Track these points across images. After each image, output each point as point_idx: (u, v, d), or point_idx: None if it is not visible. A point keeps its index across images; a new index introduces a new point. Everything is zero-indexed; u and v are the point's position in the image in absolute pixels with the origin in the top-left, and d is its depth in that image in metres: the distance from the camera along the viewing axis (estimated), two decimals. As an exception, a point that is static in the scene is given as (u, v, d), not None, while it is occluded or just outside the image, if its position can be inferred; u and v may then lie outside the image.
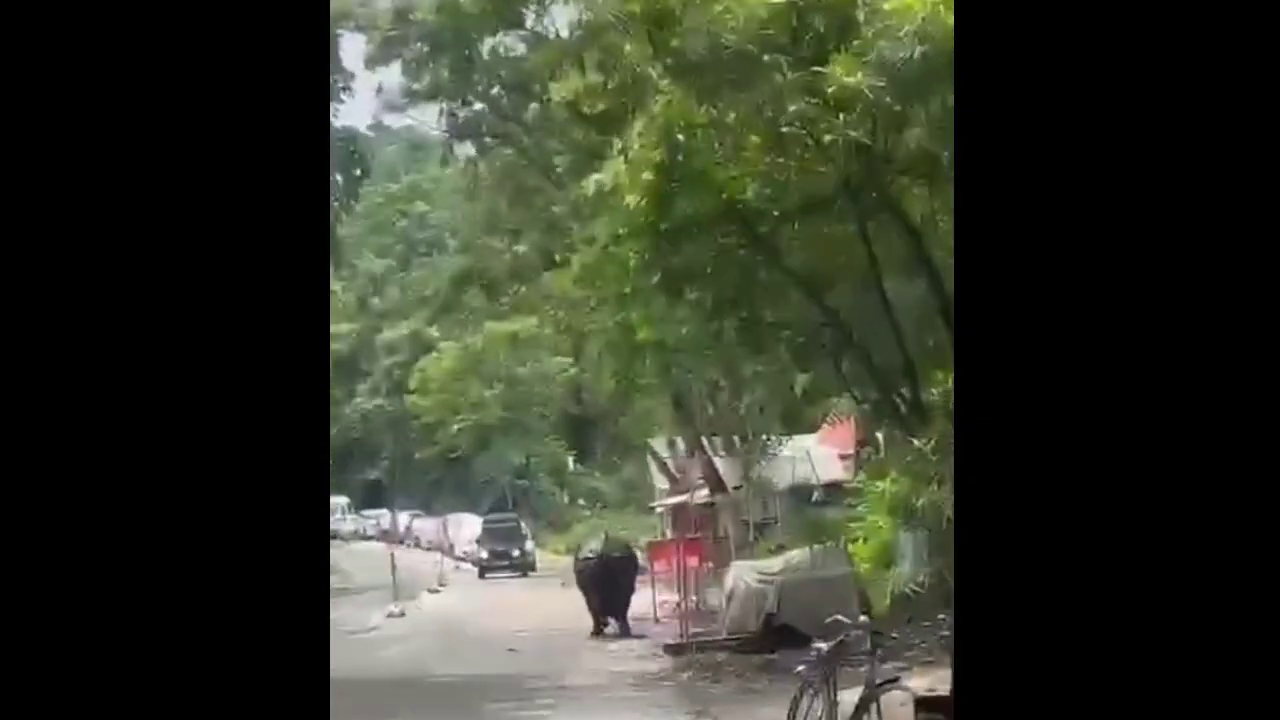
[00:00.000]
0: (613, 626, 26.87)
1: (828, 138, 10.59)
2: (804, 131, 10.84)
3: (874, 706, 12.74)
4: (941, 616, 20.54)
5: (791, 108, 10.43)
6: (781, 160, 11.54)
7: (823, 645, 13.90)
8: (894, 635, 17.05)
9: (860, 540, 25.13)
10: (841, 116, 10.51)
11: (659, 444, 41.36)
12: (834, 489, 29.05)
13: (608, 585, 26.87)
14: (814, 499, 27.43)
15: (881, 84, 10.32)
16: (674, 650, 22.40)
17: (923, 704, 11.91)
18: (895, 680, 13.20)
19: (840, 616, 15.76)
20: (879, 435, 32.06)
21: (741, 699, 18.28)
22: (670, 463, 40.04)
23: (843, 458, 33.05)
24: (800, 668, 15.11)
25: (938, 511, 9.67)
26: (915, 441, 10.02)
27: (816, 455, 31.49)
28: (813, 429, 33.55)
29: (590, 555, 27.82)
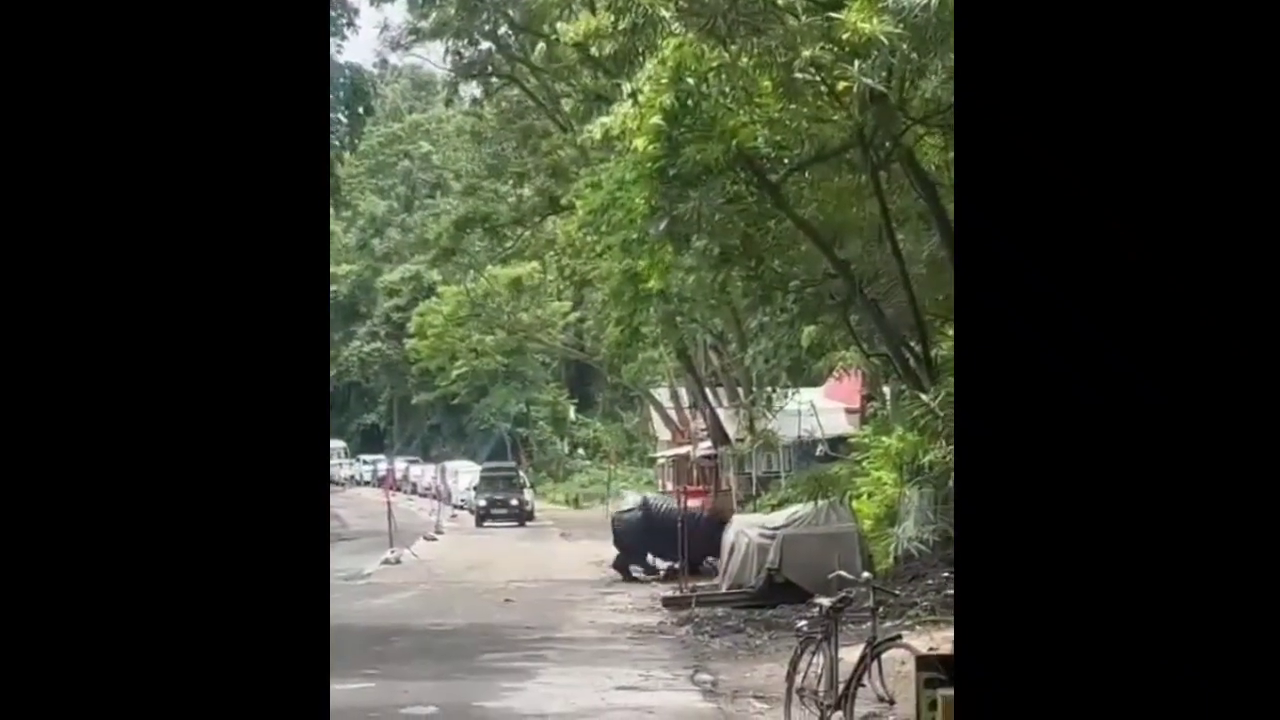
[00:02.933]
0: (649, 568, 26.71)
1: (842, 85, 10.33)
2: (818, 78, 10.58)
3: (875, 664, 12.59)
4: (945, 575, 20.48)
5: (806, 53, 10.15)
6: (794, 107, 11.28)
7: (824, 601, 13.75)
8: (897, 592, 16.93)
9: (864, 496, 25.05)
10: (857, 64, 10.24)
11: (662, 394, 41.28)
12: (839, 443, 28.95)
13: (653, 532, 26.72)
14: (818, 453, 27.30)
15: (898, 31, 10.05)
16: (673, 604, 22.29)
17: (924, 662, 11.73)
18: (897, 639, 13.04)
19: (843, 573, 15.63)
20: (885, 390, 31.99)
21: (740, 654, 18.17)
22: (673, 413, 39.98)
23: (849, 412, 32.96)
24: (801, 624, 15.00)
25: (945, 468, 9.46)
26: (923, 396, 9.79)
27: (822, 409, 31.37)
28: (818, 382, 33.45)
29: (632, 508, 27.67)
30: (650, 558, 26.85)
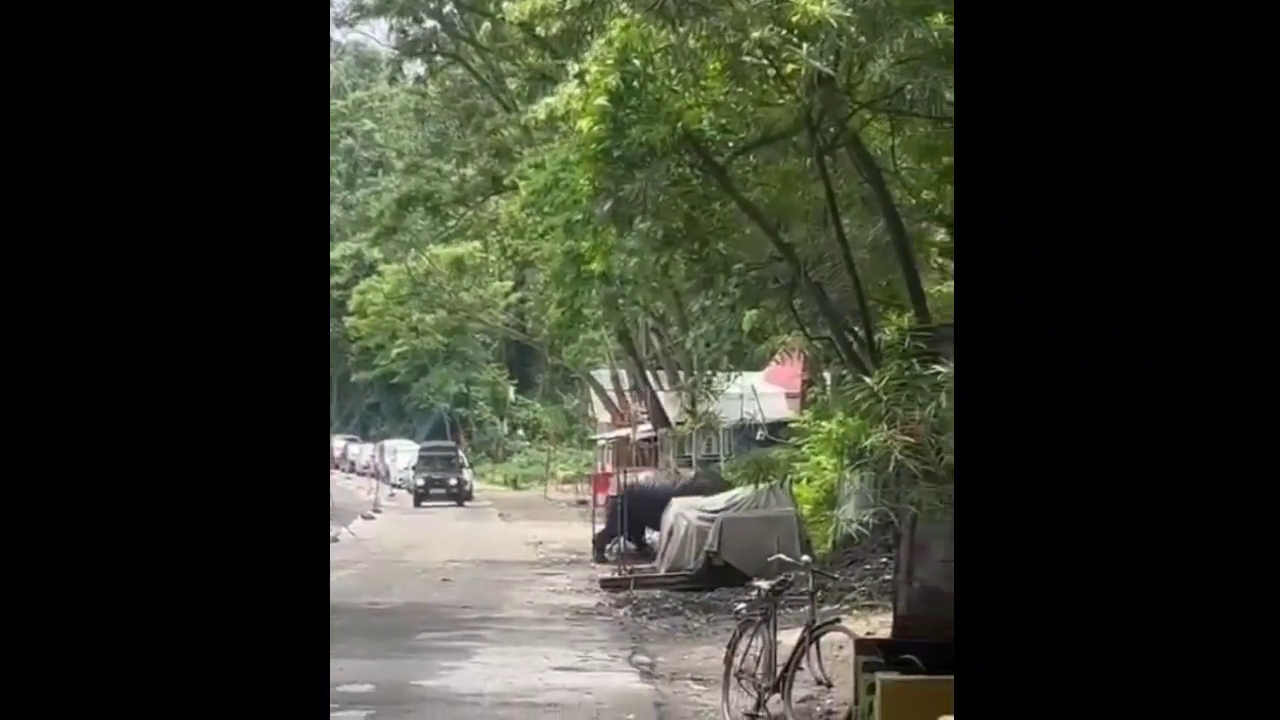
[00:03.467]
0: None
1: (790, 67, 10.30)
2: (765, 61, 10.56)
3: (813, 648, 12.63)
4: (884, 560, 20.55)
5: (755, 34, 10.13)
6: (741, 90, 11.26)
7: (764, 584, 13.78)
8: (835, 576, 16.98)
9: (804, 480, 25.08)
10: (805, 46, 10.22)
11: (602, 376, 41.25)
12: (779, 428, 28.99)
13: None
14: (758, 437, 27.33)
15: (847, 15, 10.03)
16: (611, 585, 22.28)
17: (862, 646, 11.77)
18: (835, 622, 13.09)
19: (783, 556, 15.65)
20: (826, 375, 32.04)
21: (678, 636, 18.20)
22: (613, 396, 39.98)
23: (789, 397, 33.02)
24: (740, 606, 15.02)
25: (886, 453, 9.45)
26: (867, 380, 9.78)
27: (762, 393, 31.41)
28: (759, 367, 33.48)
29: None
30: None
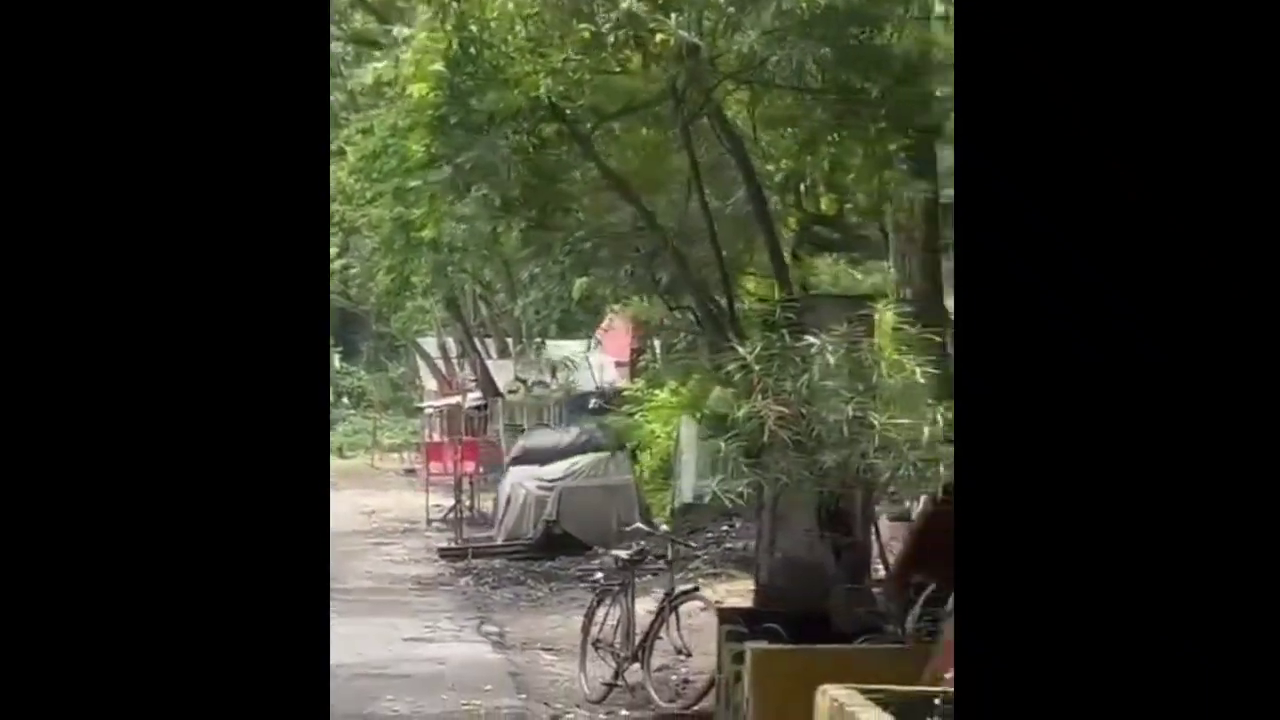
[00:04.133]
0: None
1: (659, 37, 10.26)
2: (628, 30, 10.51)
3: (673, 616, 12.71)
4: (725, 527, 20.73)
5: (624, 5, 10.06)
6: (605, 56, 11.19)
7: (621, 554, 13.83)
8: (692, 545, 17.06)
9: (641, 449, 25.14)
10: (673, 17, 10.19)
11: (429, 344, 40.89)
12: (612, 396, 29.01)
13: None
14: (592, 405, 27.33)
15: (719, -16, 10.05)
16: (450, 555, 22.14)
17: (725, 615, 11.85)
18: (694, 590, 13.19)
19: (641, 525, 15.73)
20: (655, 343, 32.13)
21: (523, 606, 18.18)
22: (440, 363, 39.66)
23: (618, 365, 33.06)
24: (599, 575, 15.05)
25: (760, 422, 9.49)
26: (740, 350, 9.81)
27: (594, 362, 31.40)
28: (589, 335, 33.46)
29: None
30: None
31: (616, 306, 24.05)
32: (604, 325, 32.23)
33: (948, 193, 20.08)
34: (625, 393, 29.73)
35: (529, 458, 23.71)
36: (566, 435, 24.30)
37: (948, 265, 23.37)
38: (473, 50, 11.94)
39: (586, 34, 10.52)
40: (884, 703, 6.96)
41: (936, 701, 6.86)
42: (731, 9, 10.17)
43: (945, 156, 17.46)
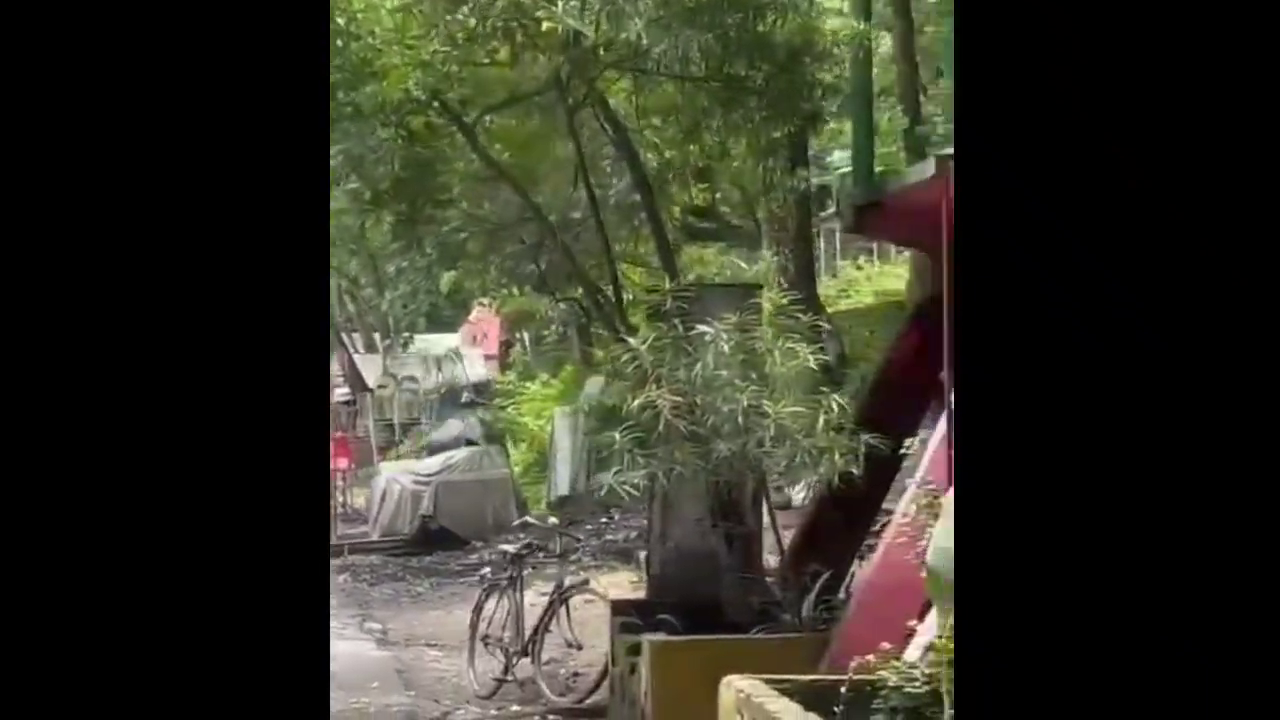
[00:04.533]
0: None
1: (546, 25, 10.17)
2: (511, 19, 10.41)
3: (562, 609, 12.62)
4: (604, 520, 20.69)
5: (507, -9, 9.97)
6: (487, 46, 11.07)
7: (510, 547, 13.73)
8: (580, 539, 17.00)
9: (514, 442, 25.05)
10: (560, 4, 10.09)
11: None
12: (482, 389, 28.89)
13: None
14: (464, 400, 27.19)
15: (604, -28, 9.98)
16: (325, 552, 21.84)
17: (618, 608, 11.79)
18: (584, 583, 13.10)
19: (530, 519, 15.62)
20: (524, 336, 32.03)
21: (404, 602, 18.01)
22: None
23: (487, 358, 32.94)
24: (486, 570, 14.93)
25: (654, 414, 9.44)
26: (631, 341, 9.75)
27: (464, 356, 31.26)
28: (456, 328, 33.30)
29: None
30: None
31: (485, 300, 23.94)
32: (472, 318, 32.08)
33: (816, 180, 20.22)
34: (497, 386, 29.65)
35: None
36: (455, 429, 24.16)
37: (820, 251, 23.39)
38: (339, 43, 11.77)
39: (469, 25, 10.41)
40: (790, 692, 6.94)
41: (842, 690, 6.86)
42: (616, -3, 10.11)
43: (814, 144, 17.56)
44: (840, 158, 17.56)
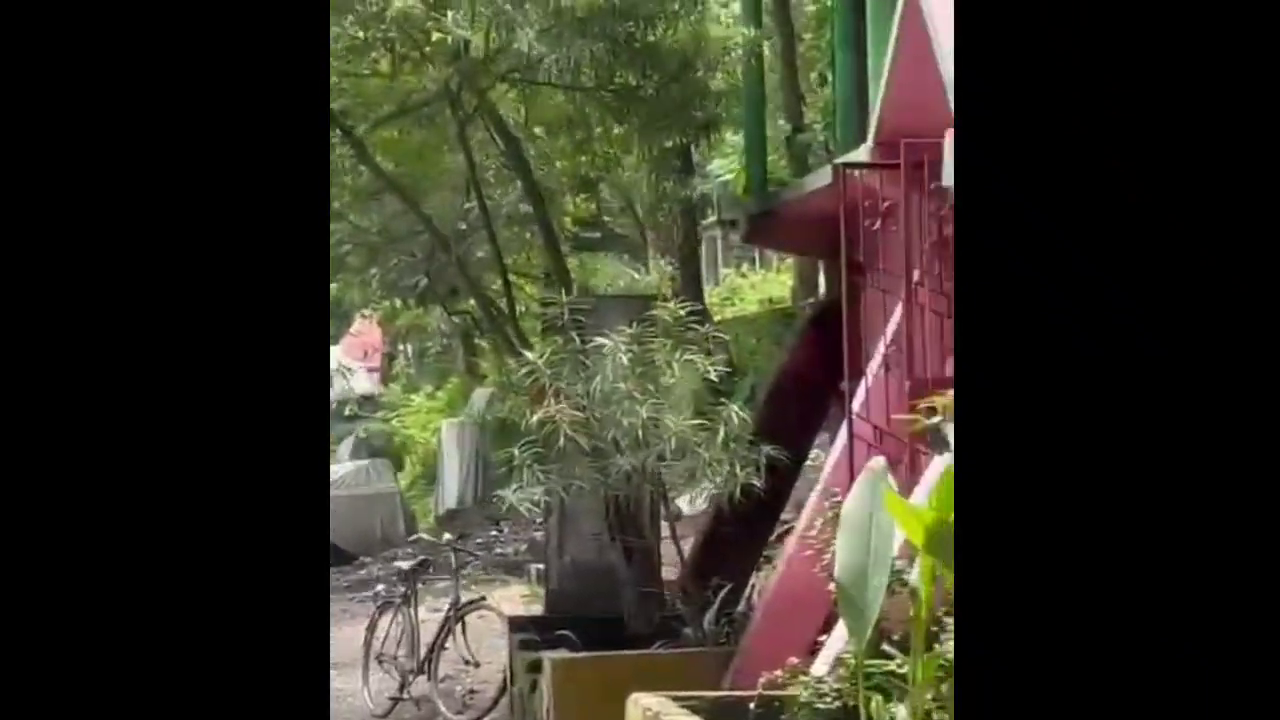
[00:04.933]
0: None
1: (436, 36, 10.04)
2: (400, 31, 10.28)
3: (459, 626, 12.48)
4: (493, 533, 20.53)
5: (398, 4, 9.81)
6: (374, 57, 10.94)
7: (404, 564, 13.57)
8: (476, 555, 16.84)
9: (401, 456, 24.83)
10: (450, 15, 9.97)
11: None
12: (365, 401, 28.62)
13: None
14: (347, 412, 26.91)
15: (490, -19, 9.87)
16: (209, 570, 21.51)
17: (516, 624, 11.68)
18: (481, 600, 12.97)
19: (424, 535, 15.45)
20: (408, 347, 31.78)
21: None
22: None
23: (369, 370, 32.65)
24: (380, 587, 14.75)
25: (554, 428, 9.34)
26: (529, 355, 9.64)
27: (344, 367, 30.95)
28: (337, 341, 32.98)
29: None
30: None
31: (366, 311, 23.70)
32: (353, 331, 31.79)
33: (701, 190, 20.22)
34: (381, 398, 29.39)
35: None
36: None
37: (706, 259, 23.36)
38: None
39: (356, 35, 10.27)
40: (698, 709, 6.88)
41: (751, 706, 6.82)
42: (507, 7, 9.99)
43: (695, 153, 17.54)
44: (720, 166, 17.54)
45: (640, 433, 9.43)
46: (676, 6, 10.48)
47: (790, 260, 22.00)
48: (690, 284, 19.59)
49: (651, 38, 10.65)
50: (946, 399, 6.52)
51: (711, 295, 27.40)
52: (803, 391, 11.27)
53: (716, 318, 22.79)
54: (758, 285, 27.26)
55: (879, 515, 6.12)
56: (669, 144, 11.41)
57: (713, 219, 24.25)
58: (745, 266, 29.95)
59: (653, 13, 10.52)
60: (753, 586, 10.97)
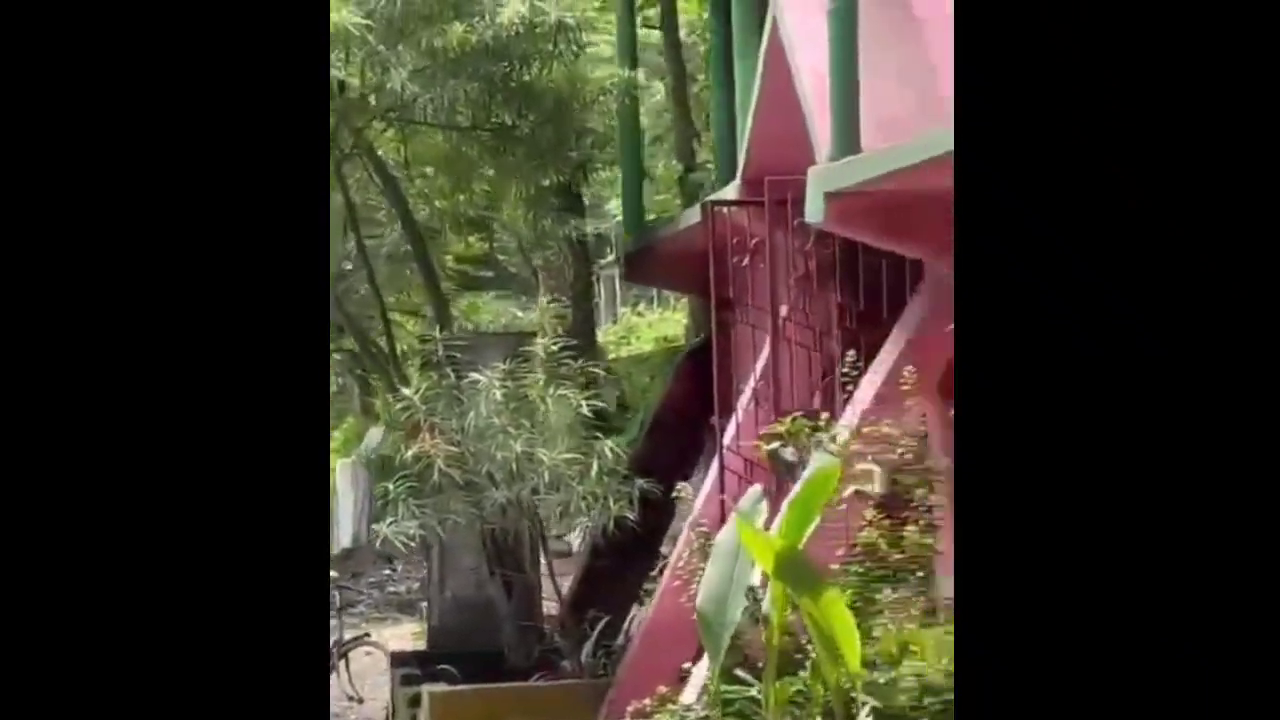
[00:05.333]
0: None
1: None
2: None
3: (342, 663, 12.49)
4: (386, 571, 20.47)
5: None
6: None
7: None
8: (362, 592, 16.81)
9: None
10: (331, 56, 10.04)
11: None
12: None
13: None
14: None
15: (367, 22, 9.94)
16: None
17: (398, 659, 11.72)
18: (365, 637, 12.98)
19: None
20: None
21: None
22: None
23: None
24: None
25: (429, 463, 9.43)
26: (405, 391, 9.73)
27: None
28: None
29: None
30: None
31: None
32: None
33: (599, 228, 20.34)
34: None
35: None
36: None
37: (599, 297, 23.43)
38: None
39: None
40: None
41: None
42: (381, 47, 10.08)
43: (588, 193, 17.68)
44: (617, 206, 17.66)
45: (514, 466, 9.54)
46: (551, 47, 10.60)
47: (685, 299, 22.15)
48: (582, 322, 19.70)
49: (526, 78, 10.76)
50: (790, 425, 6.69)
51: (610, 333, 27.49)
52: (680, 427, 11.42)
53: (612, 356, 22.90)
54: (654, 324, 27.39)
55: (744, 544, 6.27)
56: (545, 183, 11.52)
57: (612, 258, 24.38)
58: (643, 305, 30.10)
59: (527, 53, 10.63)
60: (632, 619, 11.08)
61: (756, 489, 6.27)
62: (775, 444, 6.35)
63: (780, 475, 6.92)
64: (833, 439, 7.17)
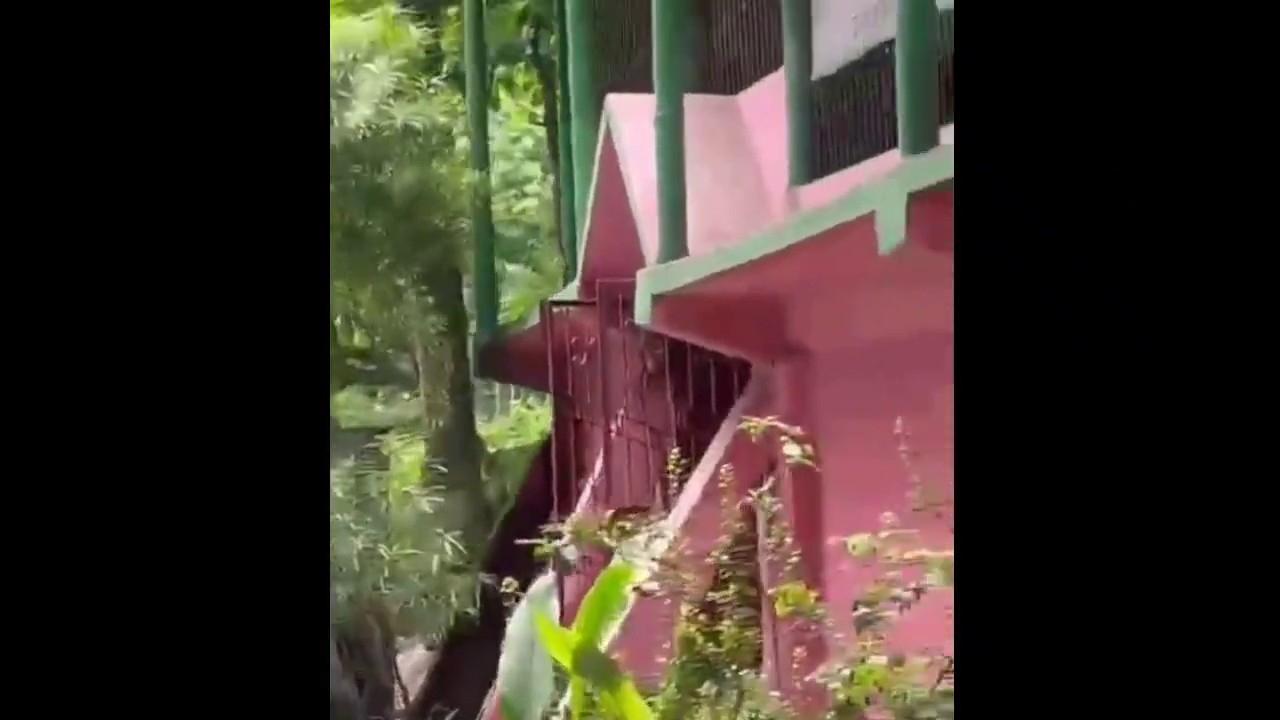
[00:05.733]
0: None
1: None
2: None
3: None
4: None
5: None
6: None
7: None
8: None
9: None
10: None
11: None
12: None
13: None
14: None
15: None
16: None
17: None
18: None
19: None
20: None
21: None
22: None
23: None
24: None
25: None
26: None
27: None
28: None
29: None
30: None
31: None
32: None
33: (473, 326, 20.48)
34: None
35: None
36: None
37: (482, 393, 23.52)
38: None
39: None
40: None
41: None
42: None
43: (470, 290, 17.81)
44: (506, 303, 17.81)
45: (356, 562, 9.63)
46: (400, 150, 10.81)
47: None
48: (461, 416, 19.80)
49: (379, 179, 10.96)
50: (574, 523, 6.85)
51: (500, 426, 27.56)
52: (531, 521, 11.55)
53: (499, 448, 22.93)
54: (540, 417, 27.50)
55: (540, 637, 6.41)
56: (400, 281, 11.68)
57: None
58: (533, 399, 30.22)
59: (380, 155, 10.83)
60: (482, 712, 11.16)
61: (548, 579, 6.42)
62: (557, 542, 6.51)
63: (562, 573, 7.08)
64: (655, 535, 7.34)
